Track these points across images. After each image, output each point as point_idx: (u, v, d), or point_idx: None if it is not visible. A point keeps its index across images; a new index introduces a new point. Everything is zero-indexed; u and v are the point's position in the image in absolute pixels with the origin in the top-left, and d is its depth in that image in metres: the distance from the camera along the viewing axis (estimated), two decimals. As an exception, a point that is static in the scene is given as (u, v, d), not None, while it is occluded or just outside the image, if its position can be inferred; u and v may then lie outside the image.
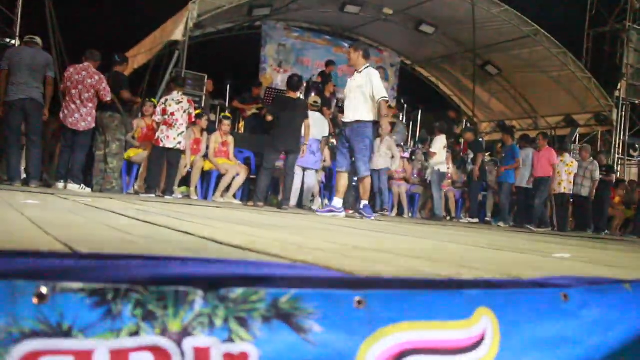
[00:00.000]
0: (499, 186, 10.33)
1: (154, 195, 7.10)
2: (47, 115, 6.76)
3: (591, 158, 10.81)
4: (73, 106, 6.77)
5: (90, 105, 6.81)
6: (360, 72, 6.35)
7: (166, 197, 7.13)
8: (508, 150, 10.12)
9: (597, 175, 10.57)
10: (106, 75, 6.97)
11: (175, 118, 7.23)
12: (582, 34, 15.32)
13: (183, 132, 7.33)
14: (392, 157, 9.44)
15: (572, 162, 10.33)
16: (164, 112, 7.24)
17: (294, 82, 7.48)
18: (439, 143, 9.48)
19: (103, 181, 7.02)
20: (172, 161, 7.40)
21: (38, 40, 6.91)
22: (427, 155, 10.03)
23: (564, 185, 10.19)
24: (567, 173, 10.23)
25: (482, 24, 11.81)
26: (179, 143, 7.29)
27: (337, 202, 6.35)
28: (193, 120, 7.60)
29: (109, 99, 6.86)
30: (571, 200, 10.71)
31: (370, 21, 13.23)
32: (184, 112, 7.32)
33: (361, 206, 6.46)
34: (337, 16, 13.01)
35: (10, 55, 6.74)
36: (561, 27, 13.11)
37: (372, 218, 6.35)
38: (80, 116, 6.77)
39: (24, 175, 6.82)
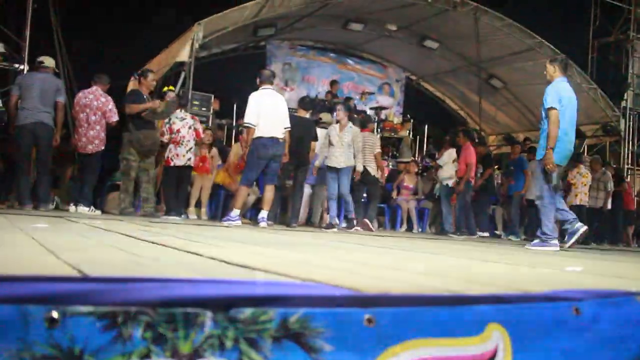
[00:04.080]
0: (508, 199, 10.27)
1: (178, 217, 7.05)
2: (58, 140, 6.76)
3: (603, 169, 10.70)
4: (81, 130, 6.84)
5: (98, 127, 6.84)
6: None
7: (174, 217, 7.11)
8: (516, 162, 10.08)
9: (611, 185, 10.45)
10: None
11: (182, 135, 7.26)
12: (587, 45, 15.32)
13: (192, 147, 7.38)
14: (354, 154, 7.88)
15: (587, 174, 10.16)
16: (171, 131, 7.27)
17: (305, 102, 7.83)
18: (448, 157, 9.44)
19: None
20: (183, 179, 7.41)
21: (49, 62, 6.87)
22: (434, 168, 10.01)
23: (581, 197, 10.03)
24: (583, 185, 10.07)
25: (485, 37, 11.86)
26: (189, 159, 7.35)
27: (235, 212, 6.65)
28: (201, 136, 7.62)
29: (114, 119, 6.90)
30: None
31: (374, 38, 13.31)
32: (189, 128, 7.37)
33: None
34: (341, 34, 13.09)
35: (21, 80, 6.84)
36: (565, 39, 13.13)
37: (226, 224, 6.49)
38: (87, 139, 6.81)
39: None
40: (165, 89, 8.53)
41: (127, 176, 6.97)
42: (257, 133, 6.55)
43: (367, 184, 8.51)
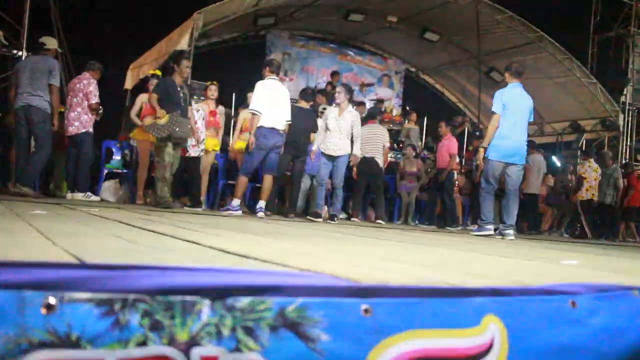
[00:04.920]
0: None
1: (195, 208, 7.03)
2: (56, 125, 6.48)
3: (614, 165, 10.61)
4: (65, 112, 6.95)
5: (79, 109, 6.86)
6: None
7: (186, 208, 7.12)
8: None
9: (621, 182, 10.37)
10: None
11: (197, 126, 7.26)
12: (587, 40, 15.30)
13: (204, 138, 7.42)
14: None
15: (597, 168, 10.11)
16: None
17: (307, 94, 7.82)
18: (446, 149, 9.44)
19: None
20: (193, 169, 7.41)
21: (50, 43, 6.58)
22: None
23: (592, 191, 9.98)
24: (594, 179, 10.03)
25: (486, 30, 11.82)
26: (202, 150, 7.42)
27: (236, 201, 6.75)
28: (215, 118, 7.68)
29: (93, 101, 6.87)
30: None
31: (374, 29, 13.27)
32: (203, 119, 7.45)
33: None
34: (341, 24, 13.06)
35: (16, 66, 6.79)
36: (566, 33, 13.09)
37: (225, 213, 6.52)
38: (68, 122, 6.86)
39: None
40: (151, 72, 8.42)
41: (162, 162, 6.42)
42: (259, 122, 6.57)
43: (372, 176, 8.47)
